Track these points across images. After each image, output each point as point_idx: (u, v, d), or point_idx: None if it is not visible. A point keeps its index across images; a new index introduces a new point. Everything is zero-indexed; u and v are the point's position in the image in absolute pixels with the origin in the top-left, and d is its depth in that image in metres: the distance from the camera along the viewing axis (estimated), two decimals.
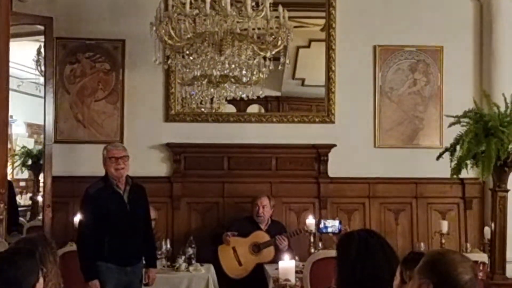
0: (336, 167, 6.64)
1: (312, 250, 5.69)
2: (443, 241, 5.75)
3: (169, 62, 5.47)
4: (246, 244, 6.02)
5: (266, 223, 6.17)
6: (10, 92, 5.47)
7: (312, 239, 5.83)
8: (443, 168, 6.45)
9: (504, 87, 5.01)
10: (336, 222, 5.56)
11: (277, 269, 5.62)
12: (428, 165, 6.59)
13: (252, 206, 6.20)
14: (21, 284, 2.58)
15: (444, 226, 5.80)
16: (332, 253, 5.40)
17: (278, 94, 6.95)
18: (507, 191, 3.92)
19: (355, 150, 6.67)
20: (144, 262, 5.02)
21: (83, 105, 6.52)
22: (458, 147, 3.88)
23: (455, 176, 3.91)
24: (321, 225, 5.59)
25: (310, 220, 5.92)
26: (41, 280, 2.68)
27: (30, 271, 2.62)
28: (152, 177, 6.32)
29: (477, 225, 6.66)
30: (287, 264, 3.07)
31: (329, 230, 5.57)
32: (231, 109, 6.81)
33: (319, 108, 6.82)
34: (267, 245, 5.99)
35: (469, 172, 4.02)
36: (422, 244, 5.83)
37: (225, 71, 5.77)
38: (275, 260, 5.90)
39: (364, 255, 3.53)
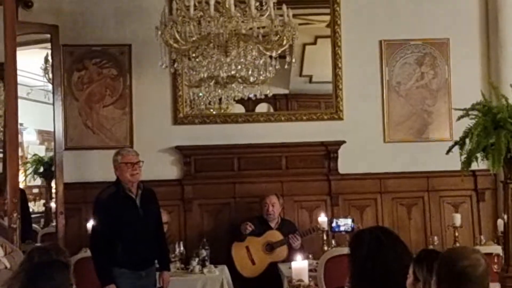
0: (346, 163, 6.63)
1: (326, 248, 5.68)
2: (457, 234, 5.72)
3: (175, 65, 5.49)
4: (260, 243, 6.03)
5: (277, 222, 6.18)
6: (21, 100, 5.51)
7: (325, 237, 5.83)
8: (454, 161, 6.44)
9: (511, 79, 4.97)
10: (349, 221, 5.55)
11: (291, 268, 5.68)
12: (439, 158, 6.51)
13: (261, 205, 6.21)
14: None
15: (457, 219, 5.77)
16: (346, 250, 5.42)
17: (286, 91, 6.94)
18: None
19: (364, 146, 6.65)
20: (157, 265, 5.03)
21: (91, 111, 6.54)
22: (467, 140, 3.85)
23: (465, 170, 3.87)
24: (334, 224, 5.58)
25: (322, 218, 5.92)
26: None
27: (62, 284, 2.63)
28: (163, 180, 6.34)
29: (490, 217, 6.63)
30: (300, 264, 3.07)
31: (342, 229, 5.56)
32: (239, 109, 6.81)
33: (327, 104, 6.82)
34: (280, 244, 5.99)
35: (479, 165, 3.99)
36: (435, 238, 5.81)
37: (232, 72, 5.80)
38: (288, 259, 5.92)
39: (376, 253, 3.53)
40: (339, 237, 6.19)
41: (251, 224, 6.04)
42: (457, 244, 5.60)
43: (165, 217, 5.52)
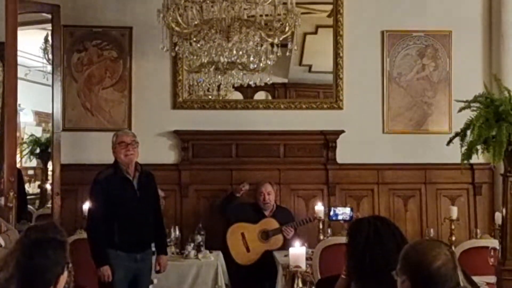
0: (345, 153, 6.62)
1: (321, 237, 5.67)
2: (453, 227, 5.71)
3: (176, 49, 5.45)
4: (255, 230, 6.01)
5: (271, 210, 6.16)
6: (19, 81, 5.47)
7: (321, 226, 5.82)
8: (452, 154, 6.44)
9: None
10: (347, 210, 5.54)
11: (286, 256, 5.67)
12: (437, 150, 6.56)
13: (256, 194, 6.19)
14: (46, 274, 2.56)
15: (454, 212, 5.76)
16: (342, 239, 5.42)
17: (285, 80, 6.92)
18: None
19: (363, 136, 6.64)
20: (154, 249, 5.02)
21: (90, 93, 6.51)
22: (468, 132, 3.84)
23: (465, 162, 3.86)
24: (332, 213, 5.56)
25: (319, 207, 5.90)
26: (65, 273, 2.66)
27: (57, 263, 2.60)
28: (160, 164, 6.31)
29: (487, 210, 6.64)
30: (298, 250, 3.06)
31: (340, 217, 5.54)
32: (238, 96, 6.80)
33: (326, 94, 6.80)
34: (276, 233, 5.99)
35: (479, 157, 3.99)
36: (431, 230, 5.81)
37: (233, 58, 5.78)
38: (283, 248, 5.92)
39: (374, 241, 3.52)
40: (335, 226, 6.18)
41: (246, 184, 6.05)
42: (453, 238, 5.59)
43: (161, 193, 5.54)
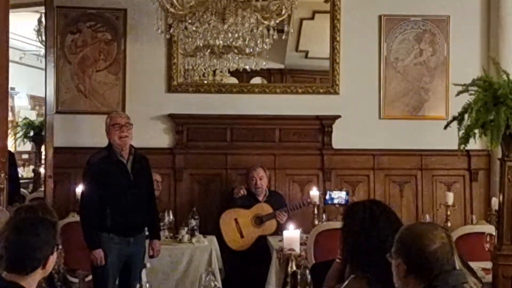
0: (341, 138, 6.57)
1: (316, 222, 5.64)
2: (449, 213, 5.69)
3: (171, 31, 5.38)
4: (248, 216, 5.97)
5: (264, 195, 6.11)
6: (13, 64, 5.41)
7: (316, 211, 5.79)
8: (448, 140, 6.41)
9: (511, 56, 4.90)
10: (343, 193, 5.50)
11: (280, 241, 5.63)
12: (434, 136, 6.54)
13: (248, 178, 6.14)
14: (35, 253, 2.53)
15: (450, 198, 5.74)
16: (337, 224, 5.38)
17: (281, 66, 6.85)
18: None
19: (359, 121, 6.59)
20: (147, 233, 4.98)
21: (84, 75, 6.44)
22: (466, 116, 3.79)
23: (463, 146, 3.82)
24: (327, 197, 5.52)
25: (314, 192, 5.87)
26: (55, 254, 2.63)
27: (47, 242, 2.57)
28: (154, 148, 6.26)
29: (483, 197, 6.61)
30: (292, 233, 3.02)
31: (336, 201, 5.50)
32: (233, 81, 6.72)
33: (323, 80, 6.74)
34: (270, 218, 5.94)
35: (476, 142, 3.94)
36: (427, 216, 5.78)
37: (228, 41, 5.72)
38: (277, 233, 5.89)
39: (369, 225, 3.48)
40: (330, 211, 6.15)
41: (244, 190, 5.99)
42: (449, 224, 5.57)
43: (157, 177, 5.49)
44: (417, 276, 2.36)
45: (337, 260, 3.74)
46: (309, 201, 5.82)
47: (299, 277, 2.84)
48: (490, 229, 4.77)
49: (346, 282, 2.99)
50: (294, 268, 2.92)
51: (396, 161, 6.64)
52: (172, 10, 4.96)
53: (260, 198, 6.09)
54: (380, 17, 6.64)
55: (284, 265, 5.32)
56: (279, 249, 5.33)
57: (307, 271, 3.11)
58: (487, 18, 6.67)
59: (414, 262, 2.37)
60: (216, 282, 2.98)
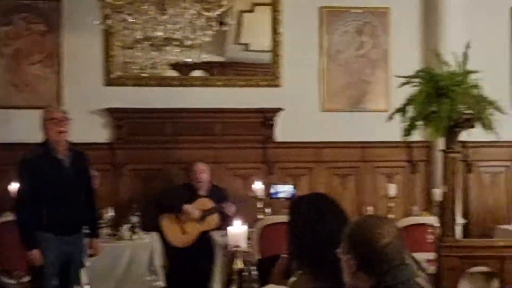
0: (283, 131, 6.54)
1: (260, 216, 5.58)
2: (391, 204, 5.73)
3: (108, 22, 5.22)
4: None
5: (206, 189, 6.02)
6: None
7: (260, 205, 5.73)
8: (389, 132, 6.47)
9: (451, 47, 4.91)
10: (289, 187, 5.44)
11: (224, 235, 5.56)
12: (375, 128, 6.59)
13: (189, 173, 6.04)
14: None
15: (392, 189, 5.79)
16: (281, 218, 5.35)
17: (222, 59, 6.74)
18: (458, 152, 3.87)
19: (302, 114, 6.57)
20: (86, 231, 4.82)
21: (18, 68, 6.20)
22: (409, 108, 3.79)
23: (406, 137, 3.82)
24: (273, 191, 5.46)
25: (257, 186, 5.81)
26: None
27: None
28: (92, 143, 6.04)
29: (423, 188, 6.68)
30: (237, 229, 2.94)
31: (281, 195, 5.45)
32: (173, 75, 6.58)
33: (264, 73, 6.68)
34: (212, 212, 5.85)
35: (416, 135, 3.96)
36: (370, 208, 5.81)
37: (168, 33, 5.59)
38: (220, 227, 5.81)
39: (315, 219, 3.43)
40: (274, 205, 6.11)
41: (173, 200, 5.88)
42: (391, 215, 5.60)
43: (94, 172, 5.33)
44: (367, 272, 2.29)
45: (283, 255, 3.70)
46: (252, 195, 5.76)
47: (246, 274, 2.76)
48: (432, 220, 4.82)
49: (293, 278, 2.93)
50: (240, 265, 2.84)
51: (338, 154, 6.65)
52: (109, 0, 4.81)
53: (202, 193, 5.99)
54: (320, 9, 6.62)
55: (229, 263, 5.28)
56: (223, 245, 5.26)
57: (253, 268, 3.04)
58: (425, 10, 6.73)
59: (364, 258, 2.30)
60: (159, 282, 2.87)
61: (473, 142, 3.84)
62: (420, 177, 6.74)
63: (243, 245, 2.93)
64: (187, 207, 5.80)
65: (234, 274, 2.86)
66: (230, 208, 5.80)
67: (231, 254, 3.05)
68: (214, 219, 5.87)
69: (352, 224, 2.45)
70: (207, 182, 6.04)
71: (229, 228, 2.97)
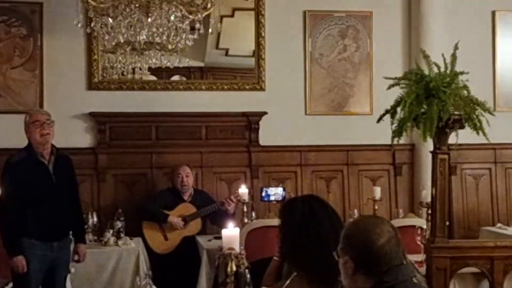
0: (267, 135, 6.51)
1: (246, 220, 5.55)
2: (376, 207, 5.73)
3: (92, 25, 5.15)
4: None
5: (190, 194, 5.96)
6: None
7: (245, 209, 5.70)
8: (373, 135, 6.52)
9: (433, 51, 4.93)
10: (280, 190, 5.43)
11: (210, 240, 5.53)
12: (359, 132, 6.62)
13: (173, 176, 5.97)
14: None
15: (377, 192, 5.79)
16: (267, 222, 5.34)
17: (201, 64, 6.70)
18: (447, 153, 3.88)
19: (286, 117, 6.55)
20: (71, 237, 4.75)
21: None
22: (398, 110, 3.79)
23: (396, 139, 3.82)
24: (263, 193, 5.43)
25: (243, 190, 5.78)
26: None
27: None
28: (75, 148, 5.96)
29: (407, 190, 6.71)
30: (231, 232, 2.91)
31: (272, 198, 5.42)
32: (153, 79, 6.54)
33: (244, 78, 6.65)
34: (194, 217, 5.80)
35: (409, 135, 3.97)
36: (355, 211, 5.80)
37: (152, 37, 5.55)
38: (202, 232, 5.79)
39: (309, 220, 3.43)
40: (259, 209, 6.12)
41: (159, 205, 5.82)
42: None
43: None
44: (366, 273, 2.27)
45: (275, 258, 3.67)
46: (238, 199, 5.73)
47: (239, 276, 2.73)
48: (419, 222, 4.83)
49: (287, 281, 2.90)
50: (234, 268, 2.81)
51: (322, 157, 6.64)
52: (92, 3, 4.75)
53: (186, 197, 5.94)
54: (304, 12, 6.62)
55: (215, 266, 5.24)
56: (210, 250, 5.22)
57: (247, 271, 3.01)
58: (408, 14, 6.77)
59: (362, 259, 2.27)
60: (153, 286, 2.83)
61: (456, 144, 3.85)
62: (403, 180, 6.76)
63: (237, 247, 2.89)
64: (172, 219, 5.74)
65: (228, 277, 2.82)
66: (229, 204, 5.76)
67: (222, 257, 3.01)
68: (196, 224, 5.82)
69: (349, 225, 2.42)
70: (191, 186, 5.99)
71: (223, 231, 2.94)
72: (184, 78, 6.59)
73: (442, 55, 3.88)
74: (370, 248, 2.25)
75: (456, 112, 3.75)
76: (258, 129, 6.48)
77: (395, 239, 2.30)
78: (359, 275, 2.28)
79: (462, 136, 4.00)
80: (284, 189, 5.46)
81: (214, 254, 5.15)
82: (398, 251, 2.30)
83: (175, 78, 6.58)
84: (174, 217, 5.75)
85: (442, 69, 3.85)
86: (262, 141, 6.51)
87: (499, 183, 6.83)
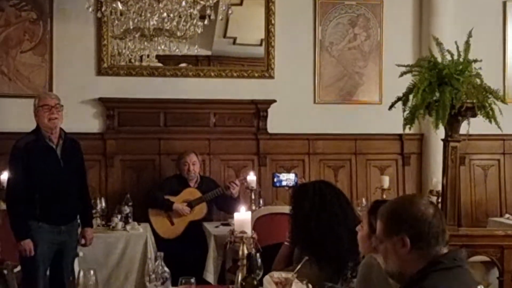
0: (276, 123, 6.49)
1: (253, 207, 5.55)
2: (384, 196, 5.72)
3: (103, 9, 5.13)
4: (177, 202, 5.80)
5: (196, 181, 5.96)
6: None
7: (253, 196, 5.70)
8: (381, 124, 6.50)
9: (443, 40, 4.89)
10: (292, 175, 5.42)
11: (217, 227, 5.53)
12: (367, 121, 6.59)
13: (180, 164, 5.96)
14: None
15: (386, 181, 5.79)
16: (275, 209, 5.34)
17: (208, 53, 6.67)
18: (459, 141, 3.86)
19: (295, 106, 6.53)
20: (79, 221, 4.75)
21: (7, 56, 6.09)
22: (411, 97, 3.77)
23: (408, 126, 3.80)
24: (275, 179, 5.42)
25: (251, 177, 5.78)
26: None
27: None
28: (84, 133, 5.92)
29: (414, 180, 6.69)
30: (243, 216, 2.90)
31: (284, 183, 5.41)
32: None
33: (252, 66, 6.62)
34: (199, 202, 5.80)
35: (422, 122, 3.95)
36: (363, 200, 5.79)
37: (163, 22, 5.52)
38: (208, 217, 5.82)
39: (319, 206, 3.44)
40: (266, 196, 6.13)
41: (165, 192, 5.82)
42: None
43: None
44: (422, 248, 2.18)
45: (286, 243, 3.68)
46: (246, 186, 5.74)
47: (251, 260, 2.73)
48: None
49: (298, 266, 2.90)
50: (246, 251, 2.80)
51: (330, 146, 6.62)
52: None
53: (192, 184, 5.94)
54: (315, 0, 6.58)
55: (223, 252, 5.25)
56: (218, 236, 5.23)
57: (258, 255, 3.01)
58: (419, 3, 6.72)
59: (417, 232, 2.19)
60: (166, 268, 2.83)
61: (464, 135, 3.83)
62: (411, 170, 6.74)
63: (249, 231, 2.89)
64: (177, 206, 5.74)
65: (241, 260, 2.82)
66: (234, 187, 5.75)
67: (233, 240, 3.01)
68: (201, 208, 5.82)
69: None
70: (197, 173, 5.99)
71: (235, 215, 2.93)
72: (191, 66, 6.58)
73: (455, 42, 3.86)
74: (424, 219, 2.20)
75: (468, 100, 3.73)
76: (266, 116, 6.46)
77: (438, 212, 2.27)
78: (413, 253, 2.20)
79: (471, 126, 3.99)
80: (296, 175, 5.44)
81: (222, 240, 5.20)
82: (444, 226, 2.25)
83: (182, 66, 6.56)
84: (179, 204, 5.74)
85: (455, 57, 3.82)
86: (270, 129, 6.49)
87: (507, 174, 6.81)
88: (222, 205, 5.89)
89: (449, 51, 3.77)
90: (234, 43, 6.83)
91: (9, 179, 4.59)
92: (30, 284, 4.41)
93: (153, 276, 2.83)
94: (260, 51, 6.59)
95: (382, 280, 2.52)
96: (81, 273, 2.85)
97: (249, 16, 6.64)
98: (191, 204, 5.79)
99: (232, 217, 5.02)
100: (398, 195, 6.56)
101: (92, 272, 2.82)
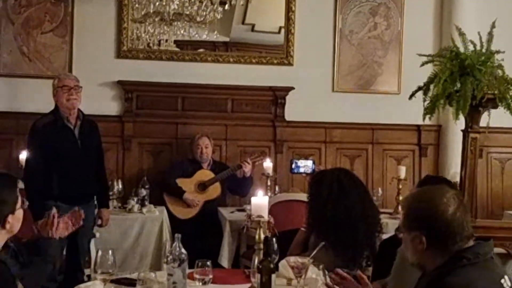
0: (293, 110, 6.47)
1: (269, 194, 5.55)
2: (400, 186, 5.69)
3: None
4: (191, 183, 5.82)
5: (208, 164, 5.97)
6: None
7: (269, 183, 5.71)
8: (399, 114, 6.47)
9: (465, 30, 4.85)
10: (309, 162, 5.40)
11: (232, 212, 5.55)
12: (385, 111, 6.56)
13: (192, 147, 5.97)
14: None
15: (402, 171, 5.74)
16: (290, 195, 5.35)
17: (226, 39, 6.66)
18: (479, 132, 3.83)
19: (313, 93, 6.50)
20: (95, 202, 4.79)
21: (28, 37, 6.11)
22: (431, 87, 3.75)
23: (428, 116, 3.78)
24: (293, 165, 5.41)
25: (268, 163, 5.78)
26: (17, 212, 2.47)
27: (3, 201, 2.41)
28: (102, 115, 5.95)
29: (431, 172, 6.61)
30: (260, 200, 2.90)
31: (301, 170, 5.39)
32: None
33: (270, 53, 6.59)
34: (213, 182, 5.82)
35: (441, 112, 3.92)
36: (379, 189, 5.77)
37: (183, 6, 5.53)
38: (222, 196, 5.86)
39: (337, 192, 3.44)
40: (282, 183, 6.13)
41: (177, 175, 5.84)
42: (400, 197, 5.58)
43: None
44: (440, 247, 2.16)
45: (302, 229, 3.69)
46: (263, 173, 5.75)
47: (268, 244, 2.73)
48: None
49: (314, 251, 2.91)
50: (263, 235, 2.81)
51: (348, 135, 6.60)
52: None
53: (205, 167, 5.95)
54: None
55: (237, 236, 5.27)
56: (233, 221, 5.24)
57: (274, 239, 3.02)
58: None
59: (434, 232, 2.16)
60: (183, 249, 2.85)
61: (483, 127, 3.79)
62: (428, 161, 6.71)
63: (265, 215, 2.89)
64: (187, 196, 5.75)
65: (257, 244, 2.83)
66: (246, 165, 5.76)
67: (250, 224, 3.02)
68: (216, 188, 5.84)
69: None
70: (210, 157, 5.99)
71: (252, 199, 2.94)
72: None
73: (478, 33, 3.82)
74: (441, 219, 2.15)
75: (489, 92, 3.70)
76: (284, 104, 6.45)
77: (462, 206, 2.22)
78: (431, 250, 2.18)
79: (491, 119, 3.95)
80: (314, 162, 5.42)
81: (237, 226, 5.22)
82: (467, 220, 2.20)
83: (200, 52, 6.56)
84: (189, 195, 5.76)
85: (478, 47, 3.79)
86: (288, 116, 6.47)
87: None
88: (235, 187, 5.91)
89: (472, 41, 3.73)
90: (252, 30, 6.80)
91: (27, 159, 4.64)
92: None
93: (170, 257, 2.84)
94: (278, 38, 6.56)
95: None
96: (99, 253, 2.88)
97: (268, 3, 6.61)
98: (204, 185, 5.80)
99: (248, 203, 5.09)
100: (413, 186, 6.54)
101: (110, 252, 2.85)
